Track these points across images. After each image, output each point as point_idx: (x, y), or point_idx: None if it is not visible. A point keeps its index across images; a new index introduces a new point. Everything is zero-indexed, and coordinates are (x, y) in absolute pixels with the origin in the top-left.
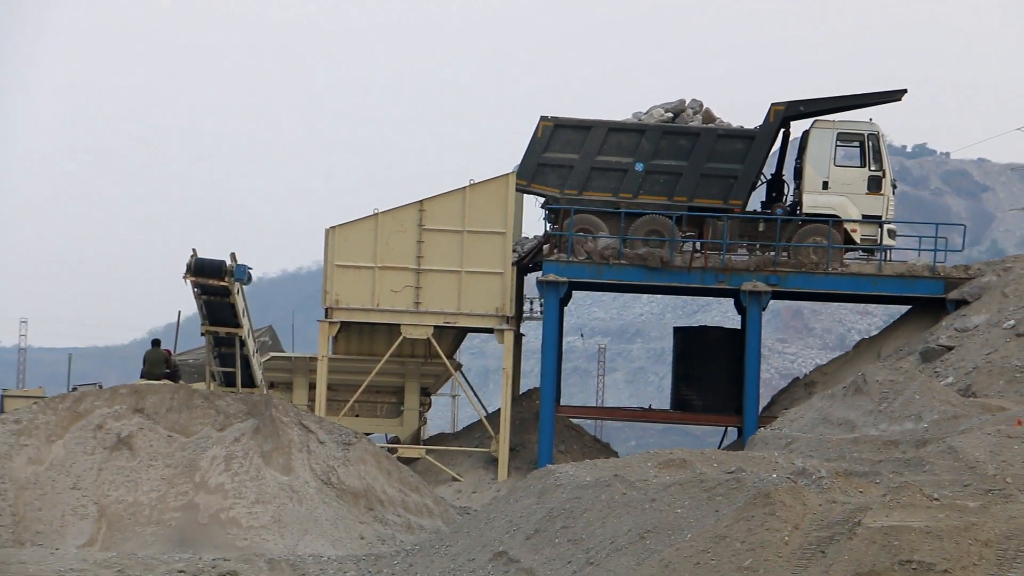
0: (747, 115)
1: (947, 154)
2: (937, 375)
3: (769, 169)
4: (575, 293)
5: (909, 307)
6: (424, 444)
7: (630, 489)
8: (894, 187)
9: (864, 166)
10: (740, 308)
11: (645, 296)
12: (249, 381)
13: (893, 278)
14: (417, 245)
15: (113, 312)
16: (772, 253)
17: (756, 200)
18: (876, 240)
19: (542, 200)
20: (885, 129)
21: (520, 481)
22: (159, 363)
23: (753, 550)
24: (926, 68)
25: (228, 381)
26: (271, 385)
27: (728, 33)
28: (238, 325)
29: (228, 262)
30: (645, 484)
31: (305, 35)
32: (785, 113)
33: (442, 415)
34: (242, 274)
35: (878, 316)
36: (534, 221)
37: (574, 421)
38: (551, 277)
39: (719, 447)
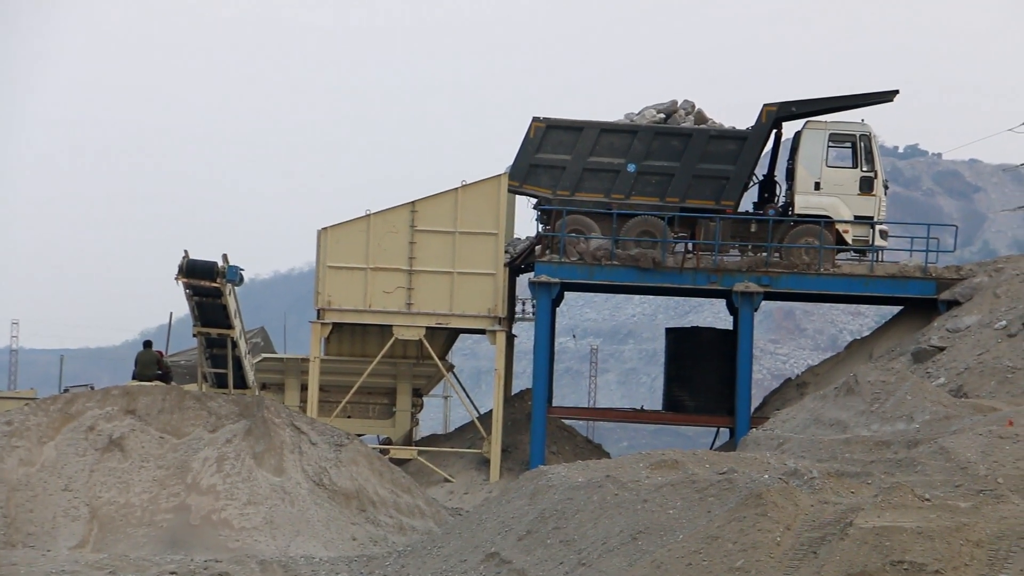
0: (739, 116)
1: (939, 155)
2: (929, 376)
3: (761, 170)
4: (567, 294)
5: (901, 308)
6: (416, 445)
7: (622, 490)
8: (886, 188)
9: (856, 167)
10: (732, 309)
11: (637, 297)
12: (241, 382)
13: (885, 279)
14: (409, 246)
15: (105, 313)
16: (764, 254)
17: (748, 201)
18: (868, 241)
19: (534, 201)
20: (877, 130)
21: (512, 482)
22: (151, 364)
23: (745, 551)
24: (918, 69)
25: (220, 382)
26: (263, 386)
27: (720, 34)
28: (230, 326)
29: (220, 263)
30: (637, 485)
31: (298, 36)
32: (777, 114)
33: (434, 416)
34: (234, 275)
35: (870, 317)
36: (526, 222)
37: (566, 422)
38: (543, 278)
39: (711, 448)
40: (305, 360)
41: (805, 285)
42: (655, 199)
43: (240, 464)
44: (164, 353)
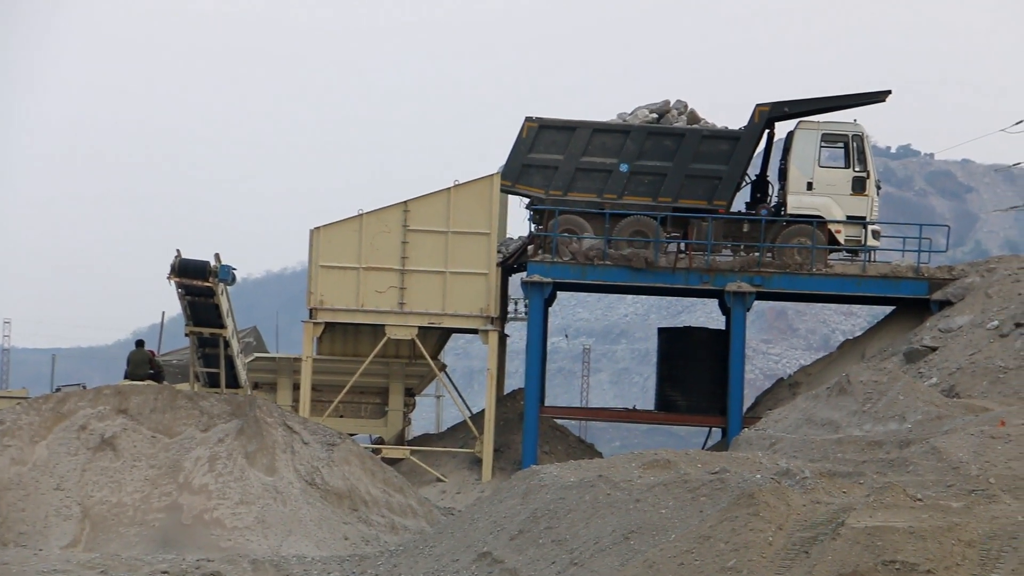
0: (732, 116)
1: (931, 155)
2: (921, 376)
3: (754, 170)
4: (560, 294)
5: (893, 308)
6: (408, 445)
7: (614, 490)
8: (878, 188)
9: (848, 167)
10: (724, 309)
11: (630, 297)
12: (233, 382)
13: (877, 279)
14: (402, 246)
15: (97, 313)
16: (756, 254)
17: (740, 201)
18: (860, 241)
19: (527, 201)
20: (869, 130)
21: (504, 482)
22: (143, 364)
23: (737, 550)
24: (910, 69)
25: (212, 382)
26: (255, 386)
27: (713, 35)
28: (222, 326)
29: (212, 263)
30: (629, 485)
31: (290, 37)
32: (770, 114)
33: (426, 416)
34: (226, 275)
35: (862, 317)
36: (519, 222)
37: (558, 422)
38: (536, 278)
39: (703, 448)
40: (297, 359)
41: (797, 285)
42: (648, 199)
43: (232, 463)
44: (156, 352)
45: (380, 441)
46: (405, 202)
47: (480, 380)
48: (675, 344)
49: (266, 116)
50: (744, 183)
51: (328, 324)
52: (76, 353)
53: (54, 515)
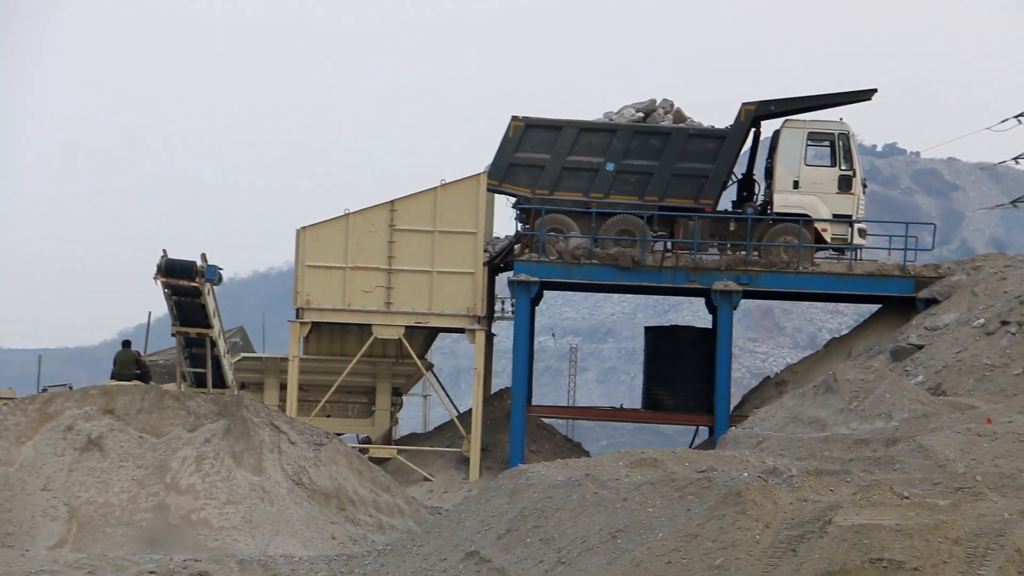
0: (718, 115)
1: (917, 153)
2: (907, 374)
3: (740, 169)
4: (546, 293)
5: (879, 306)
6: (395, 444)
7: (601, 488)
8: (864, 186)
9: (835, 165)
10: (711, 307)
11: (616, 296)
12: (220, 382)
13: (863, 277)
14: (388, 245)
15: (83, 313)
16: (743, 252)
17: (727, 200)
18: (847, 239)
19: (513, 200)
20: (855, 128)
21: (492, 481)
22: (129, 364)
23: (724, 549)
24: (896, 68)
25: (199, 382)
26: (242, 386)
27: (699, 34)
28: (209, 326)
29: (199, 263)
30: (616, 483)
31: (278, 35)
32: (756, 113)
33: (413, 415)
34: (213, 275)
35: (848, 315)
36: (505, 221)
37: (546, 421)
38: (522, 277)
39: (690, 446)
40: (284, 359)
41: (784, 284)
42: (634, 198)
43: (219, 463)
44: (143, 353)
45: (367, 441)
46: (392, 201)
47: (467, 379)
48: (662, 343)
49: (251, 115)
50: (730, 182)
51: (315, 324)
52: (63, 353)
53: (41, 516)
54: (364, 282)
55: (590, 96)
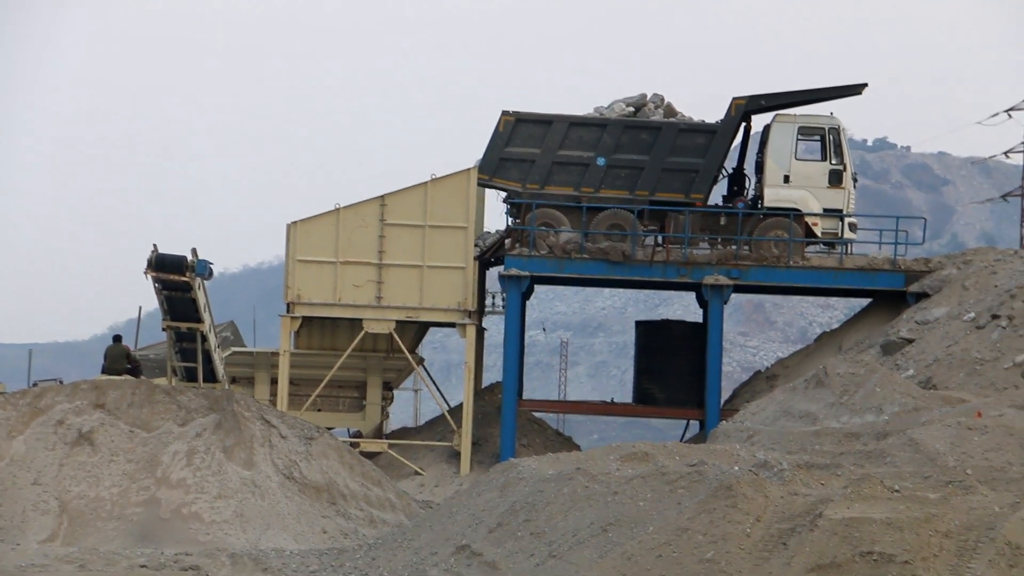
0: (708, 109)
1: (908, 148)
2: (898, 368)
3: (730, 163)
4: (537, 287)
5: (870, 300)
6: (386, 438)
7: (592, 482)
8: (855, 181)
9: (825, 160)
10: (702, 302)
11: (607, 290)
12: (211, 376)
13: (854, 271)
14: (379, 240)
15: (73, 308)
16: (734, 247)
17: (717, 194)
18: (837, 234)
19: (504, 195)
20: (846, 123)
21: (482, 475)
22: (120, 358)
23: (715, 542)
24: (886, 62)
25: (189, 376)
26: (233, 380)
27: (689, 29)
28: (199, 320)
29: (189, 257)
30: (607, 477)
31: (268, 30)
32: (746, 107)
33: (404, 409)
34: (203, 269)
35: (839, 309)
36: (496, 215)
37: (536, 415)
38: (513, 271)
39: (681, 440)
40: (275, 354)
41: (775, 278)
42: (625, 192)
43: (210, 458)
44: (133, 347)
45: (358, 435)
46: (382, 196)
47: (458, 374)
48: (653, 337)
49: (241, 110)
50: (721, 176)
51: (305, 318)
52: (53, 348)
53: (32, 510)
54: (355, 276)
55: (581, 91)
